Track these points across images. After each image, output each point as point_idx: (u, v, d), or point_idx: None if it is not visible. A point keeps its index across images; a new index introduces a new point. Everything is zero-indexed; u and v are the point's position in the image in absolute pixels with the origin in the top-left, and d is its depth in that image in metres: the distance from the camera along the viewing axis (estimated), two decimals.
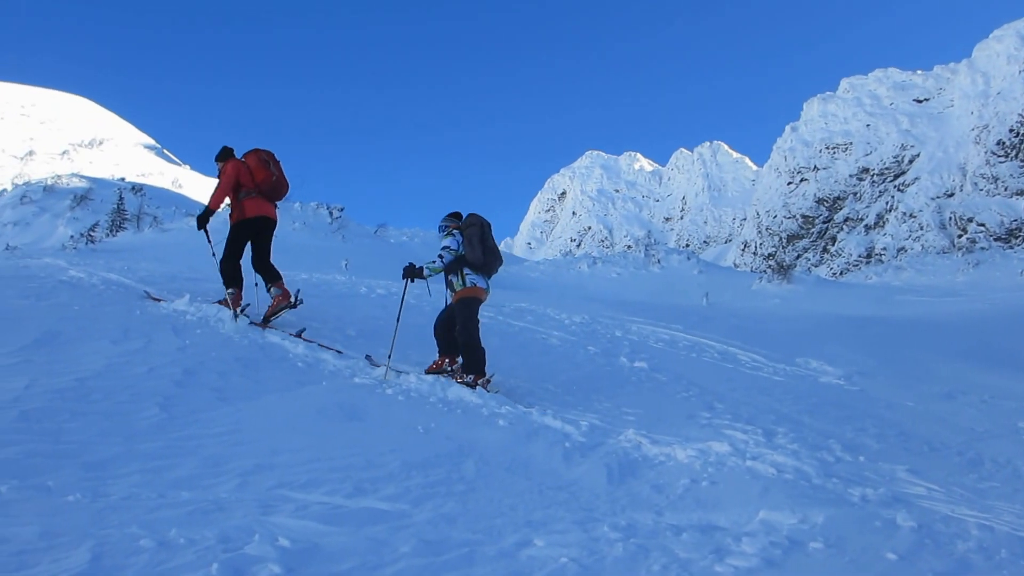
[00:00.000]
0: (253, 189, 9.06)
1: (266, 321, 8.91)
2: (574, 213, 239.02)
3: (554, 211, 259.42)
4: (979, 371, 12.93)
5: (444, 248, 8.19)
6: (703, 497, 4.97)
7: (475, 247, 8.17)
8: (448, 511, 4.19)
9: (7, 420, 4.61)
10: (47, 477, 3.88)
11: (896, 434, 7.68)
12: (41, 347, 6.29)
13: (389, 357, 7.82)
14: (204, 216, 9.14)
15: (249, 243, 9.17)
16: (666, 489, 5.11)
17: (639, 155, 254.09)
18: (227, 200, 9.06)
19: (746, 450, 6.12)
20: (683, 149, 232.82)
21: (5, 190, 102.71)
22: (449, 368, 8.17)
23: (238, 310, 8.70)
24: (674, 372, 9.82)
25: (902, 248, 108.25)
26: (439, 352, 8.38)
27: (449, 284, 8.37)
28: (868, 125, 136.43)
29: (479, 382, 7.77)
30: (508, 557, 3.56)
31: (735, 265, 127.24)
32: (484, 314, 12.23)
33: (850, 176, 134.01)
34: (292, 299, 8.95)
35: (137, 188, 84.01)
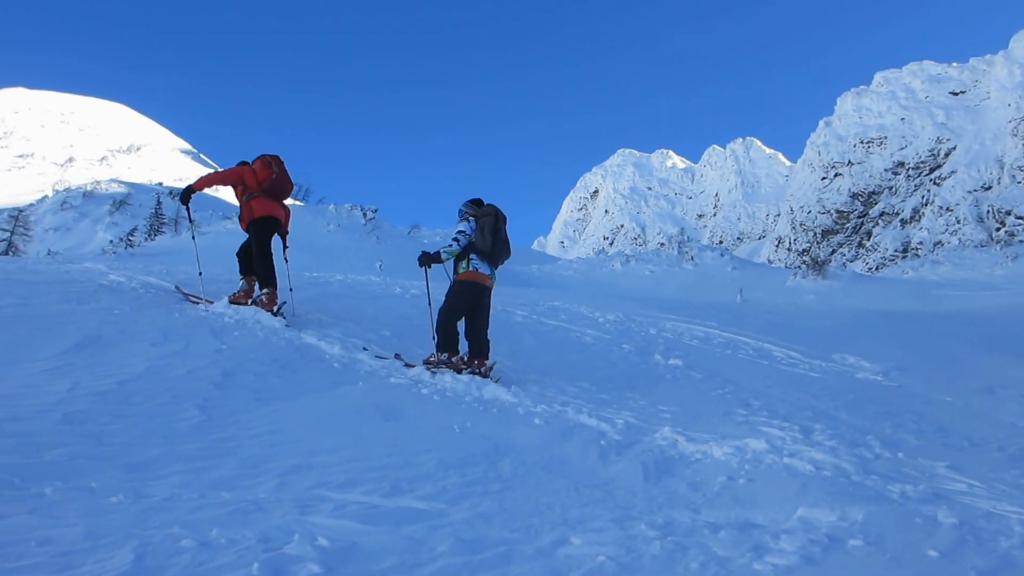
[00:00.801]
0: (257, 189, 9.25)
1: (233, 301, 9.09)
2: (607, 211, 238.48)
3: (586, 210, 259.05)
4: (1019, 365, 12.70)
5: (459, 232, 8.35)
6: (740, 495, 4.93)
7: (486, 236, 8.30)
8: (485, 510, 4.20)
9: (51, 423, 4.69)
10: (90, 478, 3.95)
11: (935, 430, 7.57)
12: (83, 350, 6.39)
13: (435, 341, 8.14)
14: (187, 191, 9.33)
15: (251, 237, 9.37)
16: (703, 487, 5.09)
17: (671, 152, 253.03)
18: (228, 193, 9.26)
19: (783, 447, 6.07)
20: (715, 146, 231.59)
21: (46, 196, 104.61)
22: (479, 370, 8.15)
23: (275, 309, 8.96)
24: (709, 369, 9.76)
25: (939, 242, 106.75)
26: (468, 354, 8.35)
27: (454, 268, 8.48)
28: (903, 119, 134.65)
29: (453, 360, 7.96)
30: (545, 556, 3.56)
31: (769, 261, 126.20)
32: (518, 313, 12.29)
33: (885, 170, 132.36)
34: (275, 308, 9.06)
35: (174, 192, 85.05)
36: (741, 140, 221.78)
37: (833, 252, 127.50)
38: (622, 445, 5.91)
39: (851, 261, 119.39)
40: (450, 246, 8.28)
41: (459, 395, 7.02)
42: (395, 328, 9.78)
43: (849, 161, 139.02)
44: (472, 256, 8.34)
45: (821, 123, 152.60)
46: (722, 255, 51.53)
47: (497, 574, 3.31)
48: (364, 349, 8.22)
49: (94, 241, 74.93)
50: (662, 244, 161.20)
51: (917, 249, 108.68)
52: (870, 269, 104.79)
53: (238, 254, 9.57)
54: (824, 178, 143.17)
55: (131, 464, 4.24)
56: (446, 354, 8.03)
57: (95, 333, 6.93)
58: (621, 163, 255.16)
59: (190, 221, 10.50)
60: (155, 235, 63.82)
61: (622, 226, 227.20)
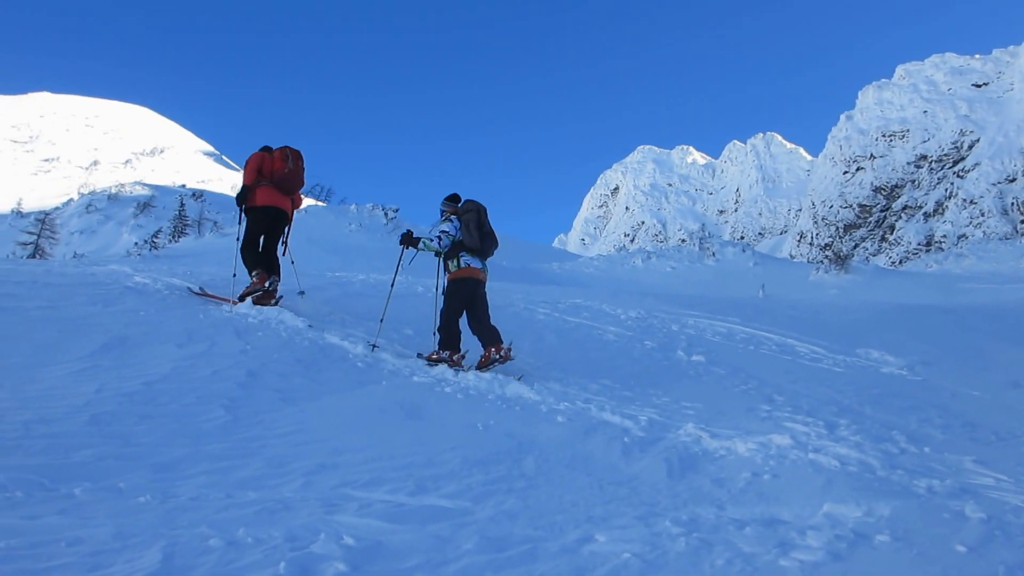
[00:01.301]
0: (267, 177, 9.46)
1: (241, 298, 9.27)
2: (627, 208, 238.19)
3: (607, 207, 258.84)
4: None
5: (442, 232, 8.56)
6: (765, 491, 4.91)
7: (472, 233, 8.50)
8: (509, 508, 4.21)
9: (79, 424, 4.74)
10: (118, 479, 3.99)
11: (961, 424, 7.49)
12: (109, 352, 6.46)
13: (381, 321, 8.48)
14: (241, 194, 9.53)
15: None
16: (727, 483, 5.07)
17: (691, 148, 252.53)
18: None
19: (808, 442, 6.04)
20: (736, 141, 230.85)
21: (72, 200, 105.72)
22: (498, 356, 8.21)
23: (266, 285, 9.24)
24: (732, 365, 9.72)
25: (963, 235, 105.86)
26: (483, 346, 8.44)
27: (445, 267, 8.72)
28: (925, 111, 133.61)
29: (454, 358, 8.12)
30: (570, 553, 3.56)
31: (791, 256, 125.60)
32: (540, 311, 12.29)
33: (908, 164, 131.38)
34: (274, 299, 9.38)
35: (198, 194, 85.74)
36: (762, 135, 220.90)
37: (856, 246, 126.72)
38: (646, 442, 5.91)
39: (874, 255, 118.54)
40: (431, 240, 8.56)
41: (482, 393, 7.04)
42: (417, 327, 9.81)
43: (871, 155, 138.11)
44: (462, 253, 8.56)
45: (842, 117, 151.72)
46: (743, 251, 51.23)
47: (522, 572, 3.31)
48: (374, 347, 8.29)
49: (119, 243, 75.62)
50: (683, 240, 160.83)
51: (941, 242, 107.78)
52: (893, 263, 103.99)
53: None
54: (846, 172, 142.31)
55: (158, 464, 4.28)
56: (447, 352, 8.15)
57: (121, 335, 7.00)
58: (641, 160, 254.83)
59: (239, 221, 10.16)
60: (179, 237, 64.36)
61: (643, 223, 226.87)
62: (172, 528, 3.40)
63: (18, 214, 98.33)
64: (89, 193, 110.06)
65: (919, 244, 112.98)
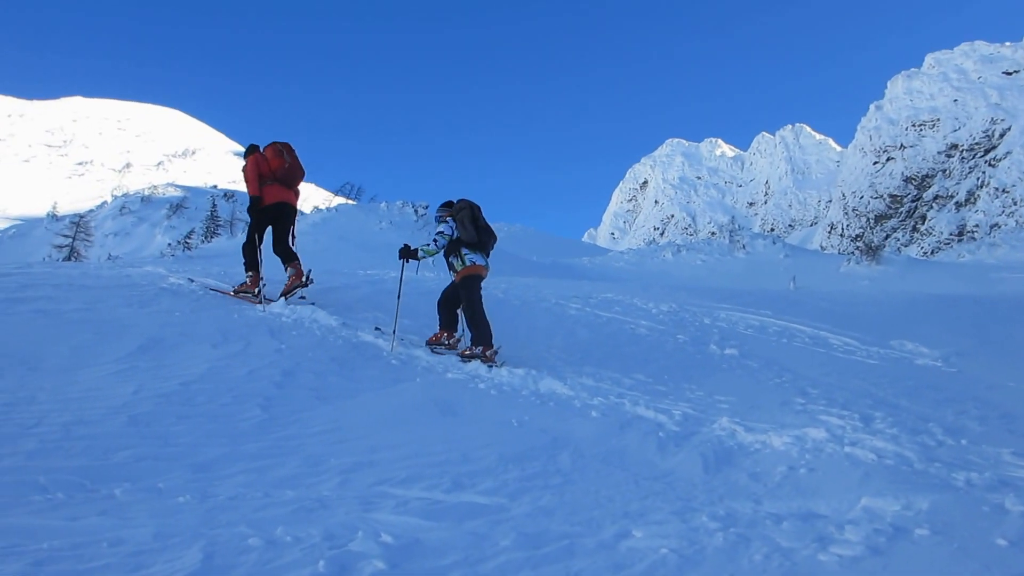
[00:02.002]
0: (269, 177, 9.67)
1: (283, 295, 9.51)
2: (656, 202, 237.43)
3: (636, 200, 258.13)
4: None
5: (438, 233, 8.76)
6: (802, 485, 4.87)
7: (467, 228, 8.73)
8: (546, 504, 4.20)
9: (118, 425, 4.80)
10: (158, 479, 4.03)
11: (999, 416, 7.37)
12: (146, 353, 6.52)
13: (393, 332, 8.37)
14: (253, 204, 9.76)
15: (270, 227, 9.86)
16: (763, 477, 5.03)
17: (720, 141, 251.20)
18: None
19: (844, 436, 5.98)
20: (765, 133, 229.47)
21: (105, 202, 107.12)
22: (447, 341, 8.67)
23: (256, 291, 9.50)
24: (765, 358, 9.64)
25: (995, 224, 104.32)
26: (440, 326, 8.88)
27: (451, 266, 8.90)
28: (955, 100, 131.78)
29: (487, 353, 8.21)
30: (608, 549, 3.55)
31: (822, 248, 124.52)
32: (572, 306, 12.27)
33: (938, 153, 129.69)
34: (304, 278, 9.62)
35: (229, 195, 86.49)
36: (791, 127, 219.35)
37: (887, 237, 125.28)
38: (680, 436, 5.88)
39: (905, 246, 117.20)
40: (428, 246, 8.69)
41: (516, 389, 7.03)
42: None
43: (901, 145, 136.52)
44: (464, 251, 8.75)
45: (872, 107, 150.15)
46: (774, 243, 50.86)
47: (560, 568, 3.31)
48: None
49: (152, 245, 76.50)
50: (713, 233, 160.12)
51: (973, 232, 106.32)
52: (925, 253, 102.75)
53: (274, 252, 9.93)
54: (876, 162, 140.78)
55: (196, 464, 4.32)
56: (480, 348, 8.29)
57: (157, 336, 7.07)
58: (670, 153, 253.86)
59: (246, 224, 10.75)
60: (211, 237, 64.95)
61: (672, 216, 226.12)
62: (211, 528, 3.43)
63: (53, 217, 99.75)
64: (122, 195, 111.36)
65: (951, 234, 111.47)
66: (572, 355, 8.88)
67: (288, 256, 9.75)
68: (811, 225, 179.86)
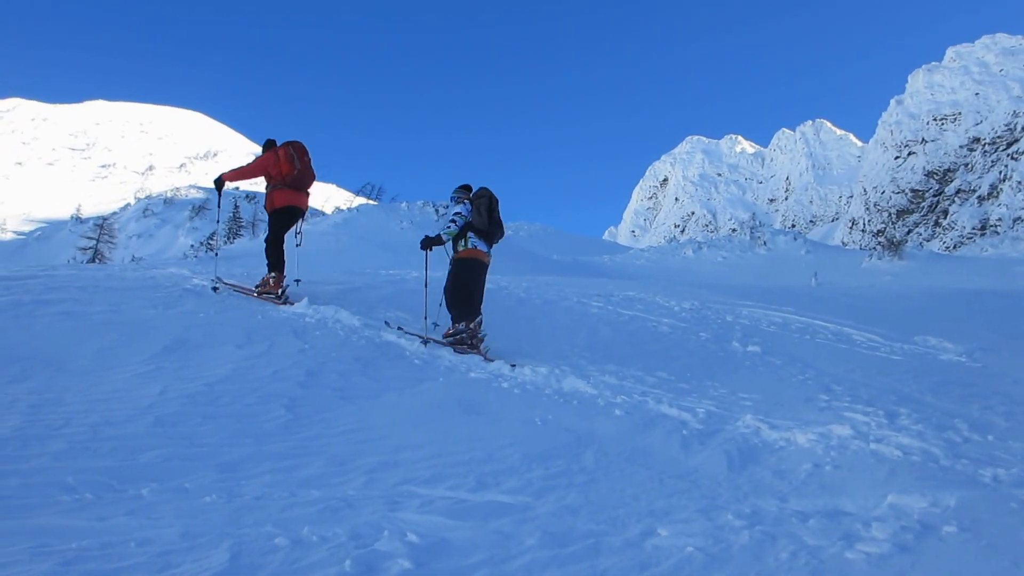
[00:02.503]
0: (279, 181, 9.83)
1: (258, 293, 9.78)
2: (676, 199, 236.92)
3: (656, 198, 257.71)
4: None
5: (456, 214, 8.97)
6: (827, 482, 4.84)
7: (483, 215, 8.94)
8: (571, 502, 4.19)
9: (144, 426, 4.84)
10: (184, 479, 4.05)
11: None
12: (171, 354, 6.58)
13: (426, 319, 8.76)
14: (219, 180, 10.25)
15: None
16: (788, 475, 5.00)
17: (740, 138, 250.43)
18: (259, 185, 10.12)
19: (869, 432, 5.93)
20: (785, 129, 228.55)
21: (129, 204, 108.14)
22: (467, 336, 8.68)
23: (279, 291, 9.67)
24: (788, 355, 9.58)
25: (1018, 218, 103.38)
26: (452, 320, 8.91)
27: (453, 247, 9.08)
28: (977, 94, 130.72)
29: (471, 327, 8.55)
30: (634, 547, 3.54)
31: (843, 243, 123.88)
32: (594, 304, 12.26)
33: (960, 147, 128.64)
34: (281, 291, 9.74)
35: (251, 196, 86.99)
36: (811, 122, 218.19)
37: (909, 232, 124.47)
38: (704, 434, 5.85)
39: (928, 240, 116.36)
40: (448, 227, 8.89)
41: (539, 388, 7.03)
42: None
43: (922, 139, 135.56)
44: (470, 235, 8.95)
45: (892, 102, 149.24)
46: (795, 239, 50.65)
47: (587, 567, 3.30)
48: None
49: (175, 246, 77.14)
50: (734, 230, 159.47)
51: (996, 226, 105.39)
52: (948, 248, 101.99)
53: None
54: (897, 157, 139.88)
55: (222, 464, 4.35)
56: (463, 323, 8.58)
57: (182, 337, 7.13)
58: (690, 150, 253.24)
59: (218, 207, 11.56)
60: (234, 238, 65.35)
61: (693, 213, 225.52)
62: (238, 527, 3.45)
63: (77, 220, 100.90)
64: (145, 198, 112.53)
65: (974, 228, 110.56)
66: (595, 353, 8.87)
67: (276, 264, 9.90)
68: (832, 221, 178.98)
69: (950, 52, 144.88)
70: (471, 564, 3.24)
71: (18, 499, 3.60)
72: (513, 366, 7.75)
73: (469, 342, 8.51)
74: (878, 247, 47.80)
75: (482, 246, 8.99)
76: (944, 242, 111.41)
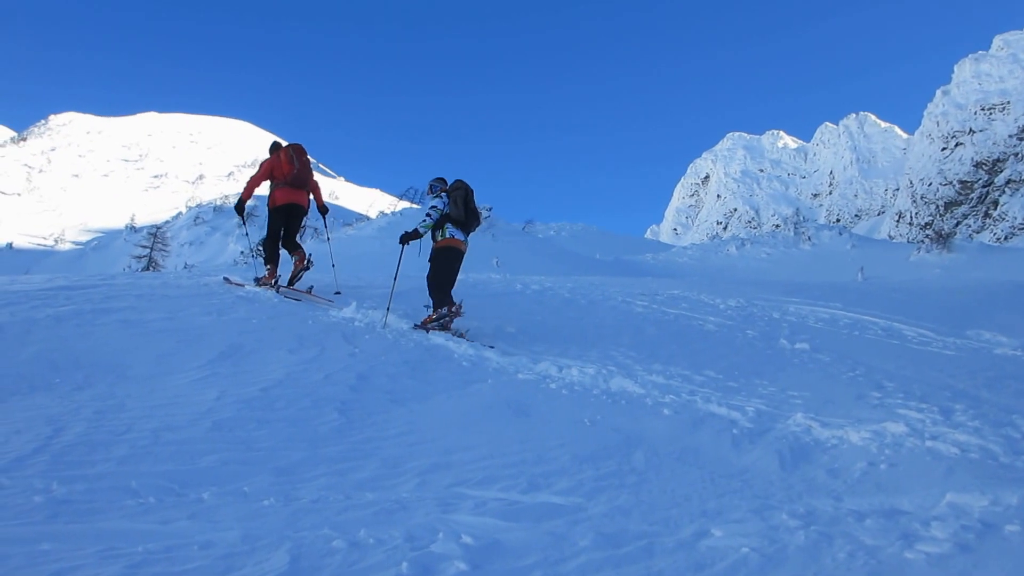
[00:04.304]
0: (281, 180, 10.70)
1: (290, 283, 10.79)
2: (718, 196, 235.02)
3: (698, 195, 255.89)
4: None
5: (432, 207, 9.50)
6: (883, 481, 4.77)
7: (459, 206, 9.43)
8: (622, 503, 4.20)
9: (203, 430, 4.95)
10: (243, 483, 4.14)
11: None
12: (226, 360, 6.73)
13: (387, 309, 9.31)
14: (238, 204, 11.14)
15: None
16: (842, 473, 4.95)
17: (782, 133, 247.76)
18: (266, 187, 10.99)
19: (924, 429, 5.84)
20: (828, 123, 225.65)
21: (180, 213, 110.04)
22: (447, 313, 9.17)
23: (273, 281, 10.66)
24: (838, 352, 9.46)
25: None
26: (434, 308, 9.35)
27: (432, 238, 9.56)
28: None
29: (452, 310, 9.02)
30: (687, 548, 3.53)
31: (890, 237, 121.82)
32: (638, 303, 12.24)
33: (1009, 136, 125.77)
34: (305, 262, 10.78)
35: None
36: (854, 115, 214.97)
37: (958, 224, 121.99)
38: (754, 433, 5.81)
39: (977, 232, 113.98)
40: (424, 221, 9.40)
41: (587, 388, 7.03)
42: (520, 324, 9.88)
43: (970, 129, 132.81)
44: (448, 225, 9.44)
45: (938, 92, 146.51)
46: (840, 233, 49.94)
47: (641, 568, 3.30)
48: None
49: (226, 253, 78.17)
50: (777, 226, 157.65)
51: None
52: (998, 239, 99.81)
53: (282, 246, 11.12)
54: (944, 148, 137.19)
55: (279, 468, 4.43)
56: (445, 308, 9.05)
57: (236, 343, 7.29)
58: (731, 147, 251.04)
59: (243, 223, 11.97)
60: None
61: (735, 210, 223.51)
62: (296, 530, 3.51)
63: (132, 229, 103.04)
64: (196, 206, 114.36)
65: None
66: (641, 353, 8.85)
67: (294, 248, 10.90)
68: (878, 215, 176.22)
69: (997, 40, 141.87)
70: (526, 565, 3.27)
71: (85, 503, 3.71)
72: (561, 368, 7.79)
73: (450, 323, 9.11)
74: (926, 240, 46.93)
75: (459, 235, 9.49)
76: (995, 233, 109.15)
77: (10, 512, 3.55)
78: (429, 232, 9.46)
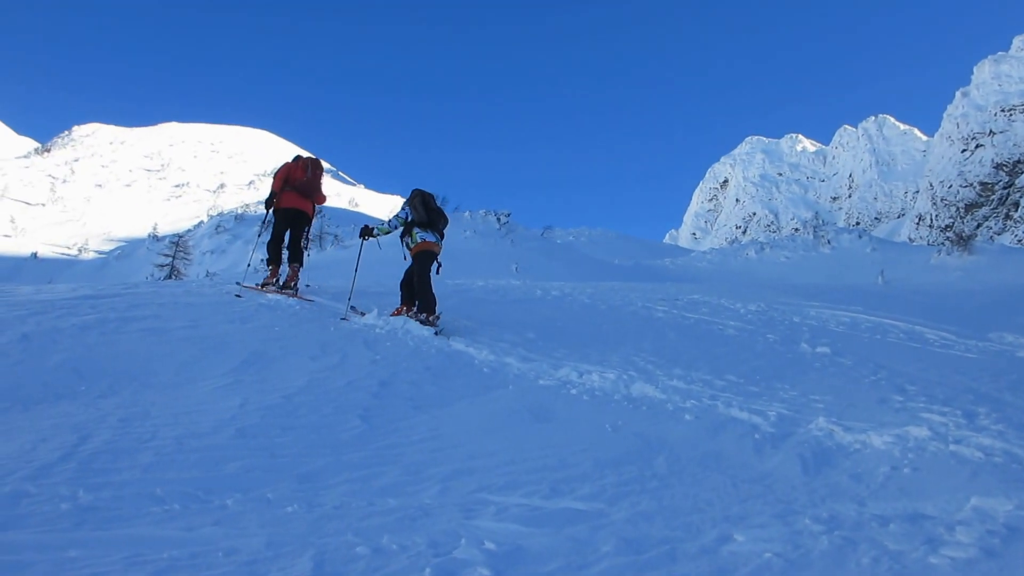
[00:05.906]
0: (291, 184, 11.39)
1: (283, 288, 11.18)
2: (737, 200, 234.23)
3: (717, 200, 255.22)
4: None
5: (394, 216, 10.28)
6: (907, 485, 4.74)
7: (419, 210, 10.07)
8: (644, 508, 4.19)
9: (226, 437, 4.99)
10: (266, 490, 4.17)
11: None
12: (249, 367, 6.78)
13: (349, 298, 10.22)
14: (269, 199, 11.68)
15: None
16: (865, 478, 4.91)
17: (800, 136, 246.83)
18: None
19: (947, 433, 5.79)
20: (847, 126, 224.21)
21: (202, 222, 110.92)
22: (407, 313, 9.75)
23: (274, 281, 11.28)
24: (859, 355, 9.40)
25: None
26: (401, 301, 10.13)
27: (406, 245, 10.16)
28: None
29: (430, 319, 9.37)
30: (710, 554, 3.53)
31: (910, 240, 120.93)
32: (659, 308, 12.22)
33: None
34: (293, 282, 11.35)
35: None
36: (873, 118, 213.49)
37: (978, 226, 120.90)
38: (777, 437, 5.78)
39: (998, 234, 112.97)
40: (382, 224, 10.44)
41: (608, 394, 7.02)
42: (540, 330, 9.87)
43: (990, 131, 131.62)
44: (416, 230, 10.03)
45: (958, 94, 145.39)
46: (860, 236, 49.53)
47: (663, 573, 3.30)
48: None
49: (247, 261, 78.80)
50: (796, 230, 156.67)
51: None
52: (1019, 241, 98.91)
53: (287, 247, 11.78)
54: (964, 150, 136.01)
55: (302, 475, 4.46)
56: (424, 315, 9.43)
57: (259, 350, 7.35)
58: (750, 151, 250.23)
59: (259, 233, 13.28)
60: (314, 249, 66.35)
61: (754, 214, 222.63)
62: (320, 537, 3.53)
63: (154, 238, 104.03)
64: (217, 215, 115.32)
65: None
66: (661, 358, 8.84)
67: (296, 256, 11.55)
68: (898, 217, 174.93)
69: (1017, 41, 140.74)
70: (548, 571, 3.27)
71: (111, 510, 3.75)
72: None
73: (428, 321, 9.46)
74: (947, 242, 46.53)
75: (430, 237, 10.07)
76: (1016, 235, 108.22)
77: (37, 519, 3.59)
78: (405, 243, 10.13)
